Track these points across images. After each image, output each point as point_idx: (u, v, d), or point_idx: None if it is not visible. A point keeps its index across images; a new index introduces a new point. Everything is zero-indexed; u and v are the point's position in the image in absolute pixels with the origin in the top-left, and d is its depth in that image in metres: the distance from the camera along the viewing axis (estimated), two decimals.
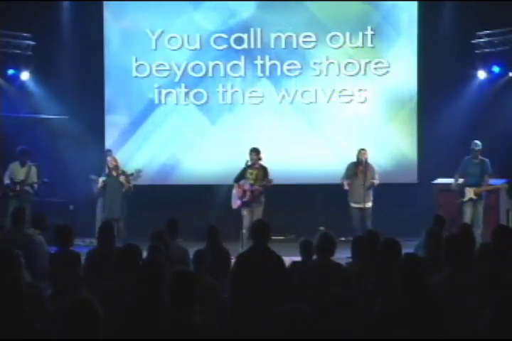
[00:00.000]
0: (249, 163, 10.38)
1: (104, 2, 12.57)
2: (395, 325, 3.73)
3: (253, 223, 5.99)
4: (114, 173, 10.80)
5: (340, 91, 12.45)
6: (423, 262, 3.90)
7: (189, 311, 3.61)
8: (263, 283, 5.33)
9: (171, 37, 12.50)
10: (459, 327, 3.89)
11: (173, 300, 3.63)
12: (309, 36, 12.42)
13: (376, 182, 10.60)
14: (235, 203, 10.46)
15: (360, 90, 12.42)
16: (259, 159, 10.41)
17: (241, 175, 10.47)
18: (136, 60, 12.50)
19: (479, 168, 10.35)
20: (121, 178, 10.75)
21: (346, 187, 10.60)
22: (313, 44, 12.44)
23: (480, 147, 10.35)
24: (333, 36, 12.39)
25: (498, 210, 10.86)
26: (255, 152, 10.43)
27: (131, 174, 11.09)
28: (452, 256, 4.68)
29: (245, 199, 10.29)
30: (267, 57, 12.46)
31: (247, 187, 10.31)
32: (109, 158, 10.99)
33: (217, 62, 12.49)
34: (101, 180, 11.07)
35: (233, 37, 12.47)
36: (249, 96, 12.50)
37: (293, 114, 12.46)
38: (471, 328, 3.82)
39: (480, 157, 10.39)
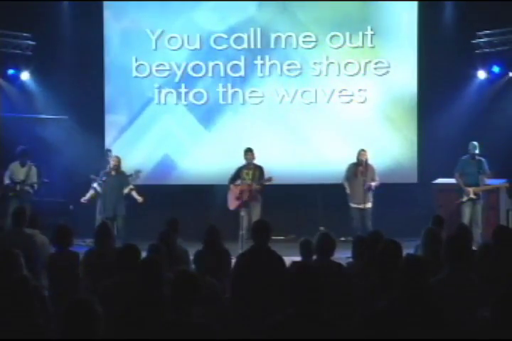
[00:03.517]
0: (245, 163, 10.43)
1: (104, 2, 12.57)
2: (396, 325, 3.73)
3: (254, 223, 5.98)
4: (113, 173, 10.79)
5: (340, 92, 12.44)
6: (425, 263, 3.89)
7: (191, 312, 3.62)
8: (263, 283, 5.33)
9: (171, 37, 12.50)
10: (458, 328, 3.88)
11: (174, 300, 3.63)
12: (309, 36, 12.42)
13: (374, 184, 10.58)
14: (232, 204, 10.47)
15: (360, 90, 12.42)
16: (254, 158, 10.45)
17: (236, 175, 10.48)
18: (136, 60, 12.50)
19: (476, 167, 10.36)
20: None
21: (348, 191, 10.63)
22: (313, 44, 12.43)
23: (476, 148, 10.34)
24: (333, 36, 12.39)
25: (498, 210, 10.86)
26: (250, 152, 10.47)
27: (130, 175, 11.10)
28: (450, 256, 4.68)
29: (244, 199, 10.30)
30: (267, 57, 12.46)
31: (244, 187, 10.32)
32: (112, 157, 10.98)
33: (217, 62, 12.49)
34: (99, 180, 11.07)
35: (233, 37, 12.46)
36: (249, 96, 12.49)
37: (293, 114, 12.46)
38: (470, 328, 3.82)
39: (477, 157, 10.40)
